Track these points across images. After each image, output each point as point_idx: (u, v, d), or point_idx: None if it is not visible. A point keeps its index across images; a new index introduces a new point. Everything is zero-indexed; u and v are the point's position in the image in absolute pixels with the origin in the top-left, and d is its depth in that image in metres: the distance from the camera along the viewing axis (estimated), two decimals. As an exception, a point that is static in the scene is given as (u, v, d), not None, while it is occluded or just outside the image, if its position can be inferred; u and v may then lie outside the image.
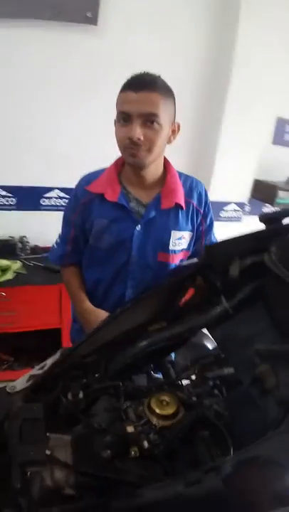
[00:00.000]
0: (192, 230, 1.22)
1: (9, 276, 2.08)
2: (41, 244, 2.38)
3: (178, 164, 1.24)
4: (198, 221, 1.22)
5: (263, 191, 2.77)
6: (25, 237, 2.32)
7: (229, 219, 2.79)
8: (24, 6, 1.91)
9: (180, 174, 1.22)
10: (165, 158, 1.20)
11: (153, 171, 1.15)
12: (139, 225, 1.15)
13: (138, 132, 1.01)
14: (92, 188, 1.17)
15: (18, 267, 2.16)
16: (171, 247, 1.17)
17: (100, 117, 2.17)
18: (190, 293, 0.92)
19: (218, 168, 2.58)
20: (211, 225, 1.28)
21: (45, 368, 0.85)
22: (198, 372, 0.95)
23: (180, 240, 1.19)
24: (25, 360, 2.32)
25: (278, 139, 2.84)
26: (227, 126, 2.48)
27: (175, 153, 1.27)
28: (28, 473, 0.58)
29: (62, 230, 1.29)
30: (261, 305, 0.87)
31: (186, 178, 1.23)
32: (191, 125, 2.48)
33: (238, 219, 2.86)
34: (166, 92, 1.05)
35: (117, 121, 1.07)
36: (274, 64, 2.43)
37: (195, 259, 0.96)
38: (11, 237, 2.33)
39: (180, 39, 2.29)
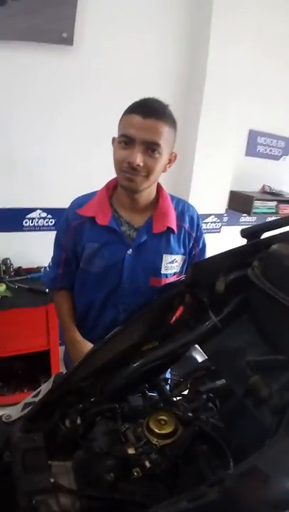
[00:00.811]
0: (184, 254, 1.22)
1: (-6, 300, 2.05)
2: (25, 265, 2.37)
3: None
4: (191, 245, 1.23)
5: (239, 202, 2.86)
6: (8, 259, 2.30)
7: (210, 231, 2.85)
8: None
9: (172, 198, 1.22)
10: (158, 183, 1.19)
11: (146, 195, 1.15)
12: (131, 249, 1.14)
13: (139, 159, 1.01)
14: (83, 212, 1.17)
15: (2, 290, 2.13)
16: (163, 271, 1.17)
17: (78, 136, 2.22)
18: (180, 310, 0.94)
19: (196, 181, 2.64)
20: (203, 248, 1.28)
21: (40, 396, 0.85)
22: (191, 387, 0.98)
23: (172, 264, 1.18)
24: (14, 385, 2.28)
25: (251, 151, 2.97)
26: (202, 141, 2.55)
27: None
28: (34, 502, 0.58)
29: (53, 252, 1.28)
30: (247, 317, 0.91)
31: (177, 202, 1.23)
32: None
33: (217, 230, 2.93)
34: (171, 122, 1.06)
35: (117, 143, 1.06)
36: (245, 78, 2.54)
37: (182, 277, 0.98)
38: (-6, 259, 2.30)
39: (155, 56, 2.36)
